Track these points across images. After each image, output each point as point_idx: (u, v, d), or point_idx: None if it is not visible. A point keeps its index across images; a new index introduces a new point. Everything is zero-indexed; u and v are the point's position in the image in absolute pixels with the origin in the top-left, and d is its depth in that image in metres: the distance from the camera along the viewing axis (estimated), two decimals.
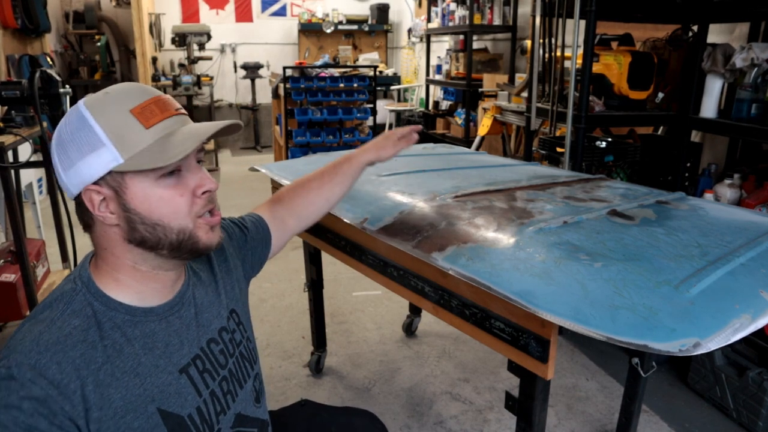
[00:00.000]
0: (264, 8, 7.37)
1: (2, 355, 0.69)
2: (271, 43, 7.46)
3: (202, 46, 6.57)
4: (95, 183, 0.73)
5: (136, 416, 0.72)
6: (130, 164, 0.72)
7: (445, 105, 5.75)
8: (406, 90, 7.09)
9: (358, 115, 4.80)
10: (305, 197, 1.15)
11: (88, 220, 0.77)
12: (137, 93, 0.75)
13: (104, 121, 0.72)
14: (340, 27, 7.35)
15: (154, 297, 0.80)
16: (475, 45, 5.16)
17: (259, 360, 0.99)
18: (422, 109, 6.23)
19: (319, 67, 4.92)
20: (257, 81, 7.13)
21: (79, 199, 0.76)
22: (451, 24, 5.17)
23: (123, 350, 0.74)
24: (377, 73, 5.04)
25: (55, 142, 0.75)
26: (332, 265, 3.04)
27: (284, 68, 4.63)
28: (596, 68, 2.47)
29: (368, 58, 7.18)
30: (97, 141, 0.72)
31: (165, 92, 0.86)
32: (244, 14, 7.30)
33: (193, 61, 6.60)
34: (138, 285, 0.78)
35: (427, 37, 5.94)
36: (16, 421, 0.64)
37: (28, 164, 2.53)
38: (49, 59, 4.72)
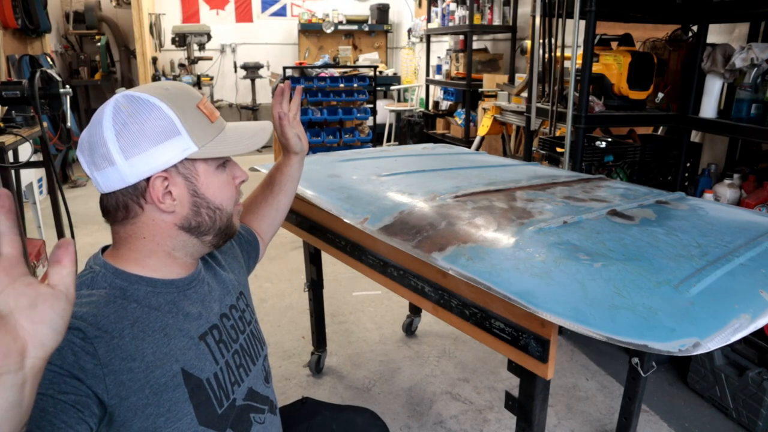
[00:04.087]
0: (264, 8, 7.37)
1: None
2: (271, 43, 7.46)
3: (202, 47, 6.57)
4: (165, 170, 0.77)
5: (163, 372, 0.75)
6: (204, 152, 0.78)
7: (445, 105, 5.75)
8: (406, 90, 7.10)
9: (358, 115, 4.80)
10: (258, 213, 1.19)
11: (134, 209, 0.78)
12: (192, 91, 0.83)
13: (179, 112, 0.77)
14: (340, 27, 7.35)
15: (173, 276, 0.84)
16: (475, 45, 5.16)
17: (266, 344, 1.02)
18: (422, 109, 6.23)
19: (319, 67, 4.92)
20: (257, 81, 7.13)
21: (129, 189, 0.76)
22: (451, 24, 5.17)
23: (150, 313, 0.78)
24: (377, 73, 5.04)
25: (114, 131, 0.74)
26: (332, 265, 3.05)
27: (284, 68, 4.64)
28: (596, 68, 2.48)
29: (368, 58, 7.18)
30: (173, 130, 0.76)
31: None
32: (244, 14, 7.30)
33: (194, 61, 6.60)
34: (164, 269, 0.82)
35: (427, 37, 5.94)
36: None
37: (29, 164, 2.54)
38: (49, 59, 4.72)
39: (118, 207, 0.78)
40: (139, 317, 0.75)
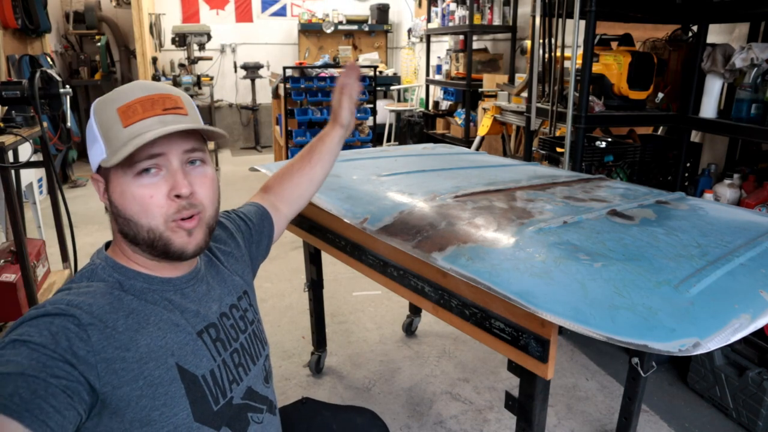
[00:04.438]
0: (264, 8, 7.37)
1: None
2: (271, 43, 7.46)
3: (202, 47, 6.56)
4: (97, 172, 0.81)
5: (157, 365, 0.75)
6: (107, 160, 0.76)
7: (445, 105, 5.74)
8: (406, 90, 7.09)
9: (358, 115, 4.80)
10: (291, 181, 1.19)
11: (105, 202, 0.83)
12: (134, 91, 0.79)
13: (99, 117, 0.79)
14: (340, 27, 7.35)
15: (168, 274, 0.84)
16: (475, 45, 5.16)
17: (268, 344, 1.02)
18: (422, 109, 6.23)
19: (319, 67, 4.92)
20: (257, 81, 7.13)
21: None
22: (451, 24, 5.17)
23: (147, 306, 0.79)
24: (377, 73, 5.04)
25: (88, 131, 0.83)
26: (332, 265, 3.05)
27: (284, 68, 4.63)
28: (596, 68, 2.47)
29: (368, 58, 7.18)
30: (94, 135, 0.79)
31: None
32: (244, 14, 7.30)
33: (194, 61, 6.59)
34: (146, 269, 0.83)
35: (427, 37, 5.94)
36: (49, 327, 0.68)
37: (29, 164, 2.53)
38: (49, 59, 4.72)
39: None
40: (135, 309, 0.77)
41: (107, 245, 0.86)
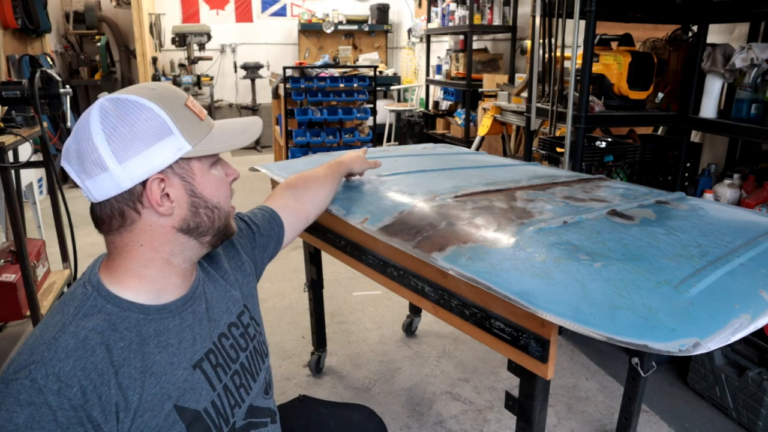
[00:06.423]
0: (264, 8, 7.37)
1: (20, 364, 0.67)
2: (271, 43, 7.46)
3: (202, 46, 6.57)
4: (161, 171, 0.75)
5: (153, 415, 0.72)
6: (198, 150, 0.77)
7: (445, 105, 5.75)
8: (406, 90, 7.10)
9: (358, 115, 4.80)
10: (316, 186, 1.30)
11: (131, 215, 0.75)
12: (179, 90, 0.82)
13: (170, 111, 0.75)
14: (340, 27, 7.35)
15: (170, 293, 0.80)
16: (475, 45, 5.16)
17: (269, 354, 1.01)
18: (422, 109, 6.23)
19: (319, 67, 4.92)
20: (257, 81, 7.13)
21: (125, 195, 0.73)
22: (451, 24, 5.17)
23: (138, 350, 0.73)
24: (377, 73, 5.04)
25: (105, 135, 0.71)
26: (332, 265, 3.04)
27: (284, 68, 4.63)
28: (596, 68, 2.47)
29: (368, 58, 7.18)
30: (165, 129, 0.74)
31: None
32: (244, 14, 7.30)
33: (194, 61, 6.60)
34: (163, 279, 0.79)
35: (427, 37, 5.94)
36: None
37: (29, 164, 2.53)
38: (49, 59, 4.72)
39: (113, 215, 0.75)
40: (125, 359, 0.72)
41: (100, 260, 0.81)
